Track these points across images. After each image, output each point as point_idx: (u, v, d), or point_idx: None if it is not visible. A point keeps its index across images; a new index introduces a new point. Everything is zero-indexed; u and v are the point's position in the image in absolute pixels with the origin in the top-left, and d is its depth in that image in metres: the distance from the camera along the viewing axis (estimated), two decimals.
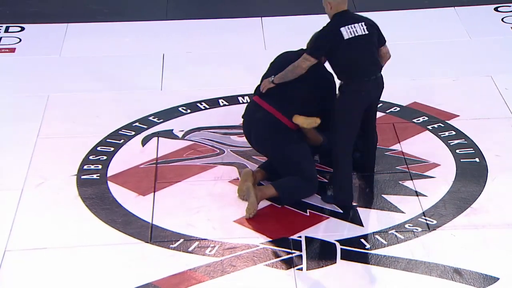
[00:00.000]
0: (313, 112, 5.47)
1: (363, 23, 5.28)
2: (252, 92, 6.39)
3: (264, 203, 5.51)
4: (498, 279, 4.82)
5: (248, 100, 6.57)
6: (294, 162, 5.44)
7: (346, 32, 5.23)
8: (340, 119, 5.31)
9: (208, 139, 6.21)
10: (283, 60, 5.61)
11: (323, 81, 5.53)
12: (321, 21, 7.81)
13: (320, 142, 5.65)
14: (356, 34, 5.24)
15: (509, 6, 8.02)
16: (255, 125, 5.55)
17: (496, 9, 7.99)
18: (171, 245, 5.16)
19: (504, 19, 7.83)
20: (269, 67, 5.70)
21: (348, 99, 5.28)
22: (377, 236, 5.19)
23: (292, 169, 5.44)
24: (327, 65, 5.56)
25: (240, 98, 6.71)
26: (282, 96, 5.47)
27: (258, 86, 5.69)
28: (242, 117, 5.72)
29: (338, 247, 5.10)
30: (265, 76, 5.65)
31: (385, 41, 5.43)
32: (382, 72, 5.41)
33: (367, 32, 5.27)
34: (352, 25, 5.25)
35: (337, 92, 5.40)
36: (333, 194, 5.46)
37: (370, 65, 5.31)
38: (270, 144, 5.50)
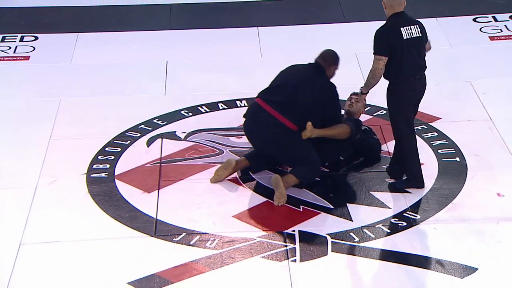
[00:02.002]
0: (317, 117, 5.50)
1: (417, 26, 5.29)
2: (249, 96, 6.43)
3: (260, 200, 5.50)
4: (476, 269, 4.82)
5: (246, 104, 6.57)
6: (302, 154, 5.50)
7: (405, 32, 5.23)
8: (397, 115, 5.35)
9: (208, 140, 6.20)
10: (294, 71, 5.66)
11: (324, 90, 5.54)
12: (314, 31, 7.84)
13: (347, 133, 5.63)
14: (412, 36, 5.25)
15: (487, 17, 8.02)
16: (259, 128, 5.54)
17: (474, 19, 7.99)
18: (174, 239, 5.15)
19: (482, 29, 7.84)
20: (278, 82, 5.65)
21: (400, 97, 5.31)
22: (365, 230, 5.18)
23: (299, 159, 5.51)
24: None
25: (238, 102, 6.70)
26: (285, 102, 5.47)
27: (265, 89, 5.64)
28: (244, 116, 5.71)
29: (329, 240, 5.09)
30: (275, 84, 5.62)
31: (427, 39, 5.43)
32: None
33: (420, 35, 5.29)
34: (409, 27, 5.25)
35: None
36: (406, 181, 5.48)
37: (418, 66, 5.33)
38: (277, 144, 5.51)
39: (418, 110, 5.59)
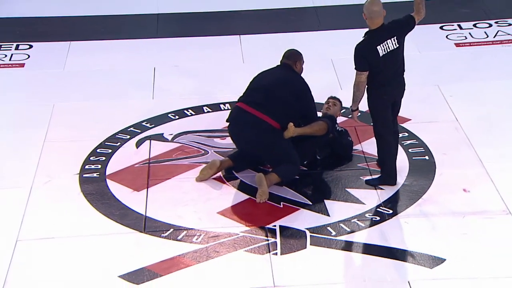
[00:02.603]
0: (295, 110, 5.55)
1: (394, 38, 5.25)
2: (232, 100, 6.43)
3: (243, 197, 5.51)
4: (444, 260, 4.85)
5: (229, 107, 6.57)
6: (284, 154, 5.51)
7: (381, 49, 5.22)
8: (375, 116, 5.39)
9: (194, 142, 6.19)
10: (266, 74, 5.71)
11: (296, 83, 5.62)
12: (292, 38, 7.86)
13: (325, 128, 5.67)
14: (389, 50, 5.24)
15: (452, 25, 8.08)
16: (245, 128, 5.55)
17: (441, 27, 8.04)
18: (162, 234, 5.13)
19: (448, 36, 7.89)
20: (253, 85, 5.69)
21: (376, 101, 5.34)
22: (341, 225, 5.20)
23: (282, 158, 5.51)
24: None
25: (221, 106, 6.69)
26: (265, 101, 5.51)
27: (243, 95, 5.68)
28: (227, 120, 5.71)
29: (308, 234, 5.11)
30: (251, 88, 5.66)
31: (409, 21, 5.31)
32: None
33: (397, 46, 5.27)
34: (385, 42, 5.22)
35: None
36: (380, 178, 5.51)
37: (396, 73, 5.35)
38: (262, 143, 5.52)
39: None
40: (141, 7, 8.66)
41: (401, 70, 5.41)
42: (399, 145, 6.06)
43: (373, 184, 5.55)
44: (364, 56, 5.23)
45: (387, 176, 5.53)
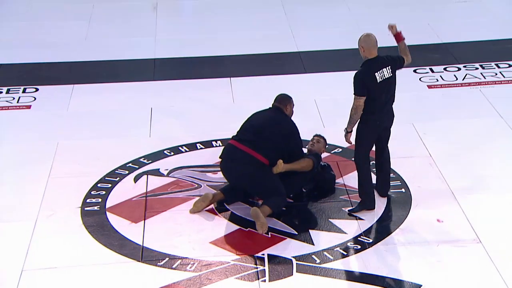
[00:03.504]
0: (283, 149, 5.59)
1: (389, 67, 5.36)
2: (223, 137, 6.45)
3: (233, 228, 5.50)
4: (420, 285, 4.86)
5: (221, 144, 6.60)
6: (272, 187, 5.52)
7: (379, 76, 5.31)
8: (359, 142, 5.43)
9: (188, 176, 6.20)
10: (258, 115, 5.76)
11: (285, 125, 5.67)
12: (278, 80, 7.93)
13: (311, 165, 5.70)
14: (384, 77, 5.33)
15: (425, 69, 8.19)
16: (236, 164, 5.57)
17: (414, 71, 8.14)
18: (158, 263, 5.11)
19: (421, 79, 7.99)
20: (246, 125, 5.72)
21: (367, 127, 5.39)
22: (325, 253, 5.20)
23: (271, 191, 5.52)
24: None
25: (214, 142, 6.72)
26: (255, 139, 5.56)
27: (236, 134, 5.72)
28: (220, 157, 5.74)
29: (294, 262, 5.10)
30: (244, 128, 5.69)
31: (400, 58, 5.44)
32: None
33: (391, 75, 5.37)
34: (382, 70, 5.31)
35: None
36: (360, 203, 5.51)
37: (388, 101, 5.42)
38: (252, 178, 5.54)
39: (384, 147, 5.64)
40: (139, 53, 8.73)
41: (393, 99, 5.49)
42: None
43: (354, 211, 5.55)
44: (363, 81, 5.31)
45: (366, 198, 5.53)
